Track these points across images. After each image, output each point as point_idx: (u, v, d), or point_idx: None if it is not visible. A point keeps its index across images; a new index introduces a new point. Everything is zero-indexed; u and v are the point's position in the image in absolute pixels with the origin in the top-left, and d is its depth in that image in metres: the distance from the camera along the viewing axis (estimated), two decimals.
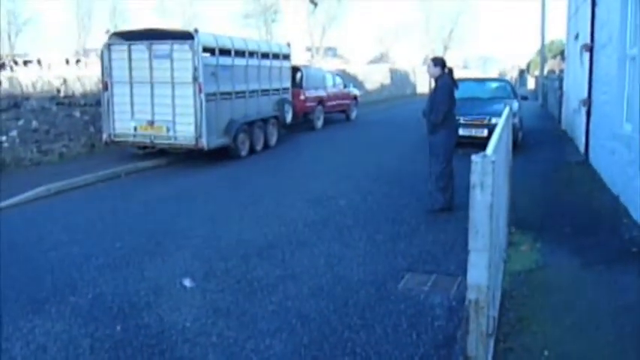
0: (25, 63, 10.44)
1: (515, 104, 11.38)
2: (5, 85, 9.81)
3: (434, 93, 6.63)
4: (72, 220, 6.67)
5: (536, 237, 5.50)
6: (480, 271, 2.10)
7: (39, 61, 10.67)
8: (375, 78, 30.54)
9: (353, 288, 4.43)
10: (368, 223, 6.29)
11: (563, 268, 4.73)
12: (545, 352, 3.34)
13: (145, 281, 4.58)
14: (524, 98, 13.25)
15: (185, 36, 9.72)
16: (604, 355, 3.31)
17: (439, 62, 6.64)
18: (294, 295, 4.29)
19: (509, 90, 12.68)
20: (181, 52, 9.62)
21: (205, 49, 9.92)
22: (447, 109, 6.42)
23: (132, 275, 4.71)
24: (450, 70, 6.67)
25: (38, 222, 6.64)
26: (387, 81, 32.90)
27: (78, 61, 11.78)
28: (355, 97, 19.04)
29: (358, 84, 24.90)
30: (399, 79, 35.57)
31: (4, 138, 9.69)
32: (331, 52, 56.92)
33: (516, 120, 10.67)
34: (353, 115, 18.76)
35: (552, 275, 4.59)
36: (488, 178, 2.01)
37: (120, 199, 7.77)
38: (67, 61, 11.23)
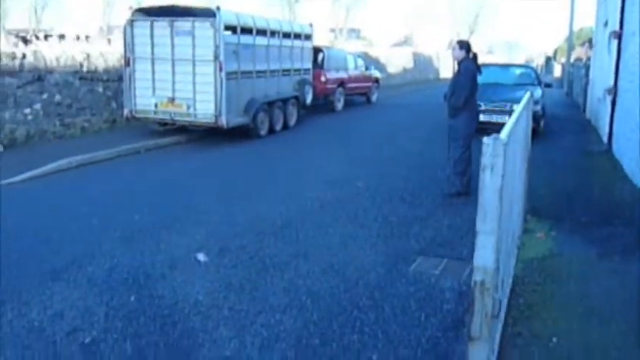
0: (46, 37, 10.58)
1: (539, 91, 11.19)
2: (30, 58, 9.95)
3: (456, 76, 6.57)
4: (92, 193, 6.80)
5: (553, 225, 5.46)
6: (487, 253, 2.10)
7: (61, 36, 10.80)
8: (397, 62, 30.23)
9: (364, 269, 4.46)
10: (384, 205, 6.29)
11: (577, 257, 4.69)
12: (554, 339, 3.34)
13: (160, 254, 4.67)
14: (548, 86, 13.00)
15: (207, 13, 9.72)
16: (614, 345, 3.29)
17: (465, 45, 6.56)
18: (306, 274, 4.33)
19: (533, 77, 12.46)
20: (203, 29, 9.64)
21: (227, 28, 9.92)
22: (468, 93, 6.35)
23: (148, 248, 4.80)
24: (475, 55, 6.59)
25: (59, 194, 6.78)
26: (410, 65, 32.55)
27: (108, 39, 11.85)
28: (377, 80, 18.89)
29: (380, 67, 24.70)
30: (422, 63, 35.16)
31: (28, 110, 9.86)
32: (355, 33, 56.34)
33: (539, 107, 10.51)
34: (374, 97, 18.63)
35: (566, 263, 4.56)
36: (498, 161, 2.00)
37: (139, 175, 7.89)
38: (87, 38, 11.31)
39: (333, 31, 44.14)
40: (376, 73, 19.08)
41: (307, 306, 3.79)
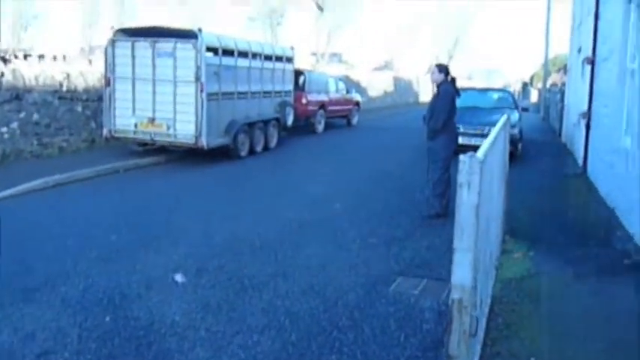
0: (26, 57, 10.47)
1: (516, 115, 11.41)
2: (9, 77, 9.86)
3: (435, 99, 6.66)
4: (68, 212, 6.69)
5: (530, 246, 5.51)
6: (464, 271, 2.11)
7: (41, 56, 10.72)
8: (378, 85, 30.61)
9: (344, 289, 4.44)
10: (363, 226, 6.30)
11: (554, 277, 4.74)
12: (532, 359, 3.35)
13: (137, 274, 4.59)
14: (525, 110, 13.30)
15: (189, 35, 9.77)
16: None
17: (443, 69, 6.68)
18: (285, 294, 4.30)
19: (511, 101, 12.72)
20: (185, 50, 9.67)
21: (209, 49, 9.97)
22: (447, 116, 6.45)
23: (124, 268, 4.72)
24: (453, 79, 6.71)
25: (35, 213, 6.66)
26: (391, 88, 32.97)
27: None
28: (357, 103, 19.09)
29: (361, 90, 24.96)
30: (403, 87, 35.65)
31: (4, 129, 9.72)
32: (336, 57, 56.89)
33: (516, 131, 10.70)
34: (354, 120, 18.80)
35: (543, 283, 4.60)
36: (475, 178, 2.03)
37: (117, 194, 7.80)
38: (64, 57, 11.22)
39: (314, 54, 44.56)
40: (357, 97, 19.29)
41: (286, 326, 3.75)
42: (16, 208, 6.85)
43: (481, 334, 3.45)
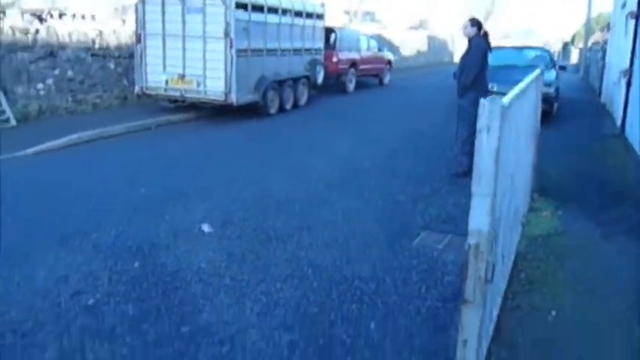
0: (60, 16, 10.61)
1: (553, 73, 11.03)
2: (43, 34, 10.01)
3: (466, 54, 6.49)
4: (101, 167, 6.87)
5: (560, 205, 5.41)
6: (482, 216, 2.09)
7: (74, 15, 10.83)
8: (411, 44, 29.92)
9: (367, 242, 4.47)
10: (390, 183, 6.28)
11: (582, 236, 4.66)
12: (553, 313, 3.34)
13: (165, 225, 4.71)
14: (563, 68, 12.81)
15: None
16: (611, 321, 3.29)
17: (476, 23, 6.47)
18: (309, 246, 4.36)
19: (548, 59, 12.26)
20: (214, 6, 9.60)
21: (238, 5, 9.86)
22: (477, 71, 6.28)
23: (153, 219, 4.85)
24: (486, 33, 6.50)
25: (69, 167, 6.86)
26: (424, 48, 32.20)
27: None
28: (389, 62, 18.73)
29: (394, 49, 24.47)
30: (437, 46, 34.77)
31: (40, 86, 9.94)
32: (369, 16, 55.65)
33: (552, 89, 10.36)
34: (386, 79, 18.50)
35: (570, 242, 4.53)
36: (495, 123, 1.99)
37: (148, 150, 7.94)
38: (92, 17, 11.32)
39: (347, 13, 43.65)
40: (389, 55, 18.92)
41: (308, 276, 3.82)
42: (51, 162, 7.07)
43: (502, 286, 3.44)
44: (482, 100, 2.00)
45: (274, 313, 3.31)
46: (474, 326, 2.22)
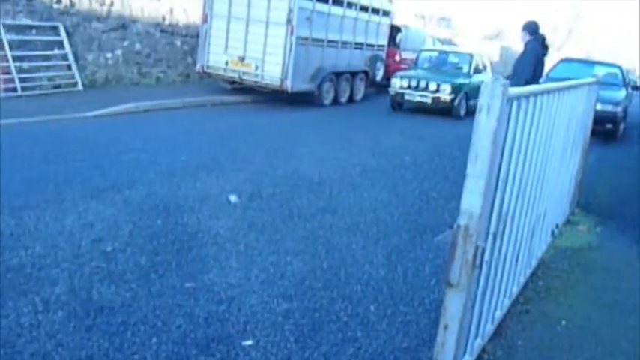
0: None
1: (622, 92, 10.50)
2: (117, 6, 10.50)
3: (520, 58, 6.31)
4: (150, 133, 7.16)
5: (600, 222, 5.17)
6: (474, 197, 2.05)
7: None
8: (482, 52, 29.19)
9: (388, 232, 4.44)
10: (427, 180, 6.19)
11: (616, 253, 4.44)
12: (563, 322, 3.21)
13: (195, 190, 4.87)
14: (636, 88, 12.15)
15: None
16: (626, 337, 3.12)
17: (531, 26, 6.28)
18: (329, 226, 4.38)
19: (619, 77, 11.65)
20: None
21: None
22: (530, 76, 6.08)
23: (185, 184, 5.02)
24: (543, 37, 6.29)
25: (121, 131, 7.19)
26: (496, 58, 31.33)
27: None
28: None
29: None
30: (510, 56, 33.65)
31: (109, 55, 10.44)
32: (445, 22, 54.74)
33: (619, 109, 9.88)
34: None
35: (602, 257, 4.33)
36: (495, 102, 1.94)
37: (199, 124, 8.20)
38: None
39: (422, 17, 43.10)
40: None
41: (320, 254, 3.85)
42: (107, 125, 7.43)
43: (514, 290, 3.34)
44: (484, 79, 1.97)
45: (278, 282, 3.35)
46: (457, 310, 2.18)
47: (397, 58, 14.55)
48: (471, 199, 2.05)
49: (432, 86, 11.03)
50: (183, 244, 3.73)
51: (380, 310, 3.18)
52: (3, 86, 8.42)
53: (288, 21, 9.72)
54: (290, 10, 9.68)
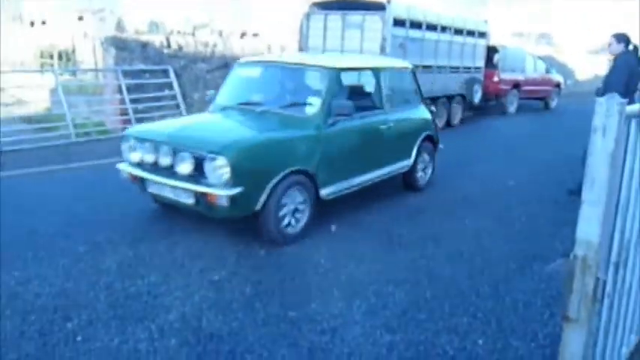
0: (242, 36, 11.79)
1: None
2: (220, 47, 11.19)
3: (610, 73, 5.86)
4: None
5: None
6: (592, 226, 1.90)
7: (254, 34, 11.98)
8: (588, 68, 27.54)
9: (493, 261, 4.25)
10: (533, 206, 5.87)
11: None
12: None
13: None
14: None
15: (377, 7, 9.93)
16: None
17: (622, 38, 5.82)
18: (431, 255, 4.27)
19: None
20: (372, 22, 9.87)
21: (396, 22, 10.02)
22: (621, 90, 5.59)
23: None
24: (636, 48, 5.81)
25: None
26: (604, 72, 29.45)
27: None
28: (558, 85, 17.43)
29: (568, 72, 22.79)
30: None
31: (212, 91, 11.06)
32: (545, 39, 52.50)
33: None
34: (553, 103, 17.23)
35: None
36: (612, 122, 1.80)
37: None
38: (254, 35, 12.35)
39: (520, 35, 41.69)
40: (558, 77, 17.61)
41: (423, 284, 3.75)
42: None
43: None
44: (598, 98, 1.84)
45: (380, 313, 3.31)
46: (577, 348, 2.01)
47: (495, 78, 14.08)
48: (589, 228, 1.91)
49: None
50: (286, 275, 3.80)
51: (489, 345, 3.02)
52: (121, 126, 9.22)
53: (382, 49, 9.78)
54: (383, 39, 9.75)
